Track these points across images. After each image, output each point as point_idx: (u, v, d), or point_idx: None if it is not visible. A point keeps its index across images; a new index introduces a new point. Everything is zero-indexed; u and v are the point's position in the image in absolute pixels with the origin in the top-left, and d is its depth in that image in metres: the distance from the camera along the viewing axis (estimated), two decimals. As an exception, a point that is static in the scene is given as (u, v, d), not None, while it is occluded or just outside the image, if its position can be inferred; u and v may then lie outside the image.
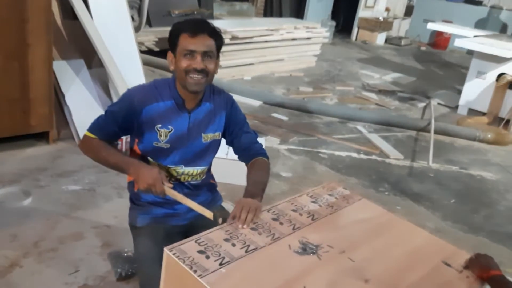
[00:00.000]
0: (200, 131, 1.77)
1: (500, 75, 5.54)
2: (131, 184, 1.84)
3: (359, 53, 9.43)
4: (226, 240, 1.43)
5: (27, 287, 2.18)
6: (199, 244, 1.39)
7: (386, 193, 3.70)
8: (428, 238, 1.71)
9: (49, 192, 2.98)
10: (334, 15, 10.67)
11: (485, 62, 5.73)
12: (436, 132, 4.89)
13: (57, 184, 3.08)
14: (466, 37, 6.31)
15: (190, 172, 1.81)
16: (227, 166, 2.93)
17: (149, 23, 6.66)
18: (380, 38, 10.76)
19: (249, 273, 1.31)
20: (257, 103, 5.31)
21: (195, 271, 1.26)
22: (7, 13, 3.11)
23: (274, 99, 5.45)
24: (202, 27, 1.66)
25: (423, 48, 10.92)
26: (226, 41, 5.85)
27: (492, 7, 10.80)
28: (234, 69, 6.20)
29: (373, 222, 1.75)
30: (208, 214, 1.62)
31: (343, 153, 4.32)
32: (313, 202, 1.78)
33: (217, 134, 1.83)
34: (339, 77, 7.23)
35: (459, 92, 6.28)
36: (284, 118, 5.04)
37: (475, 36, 6.34)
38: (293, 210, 1.69)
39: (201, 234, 1.45)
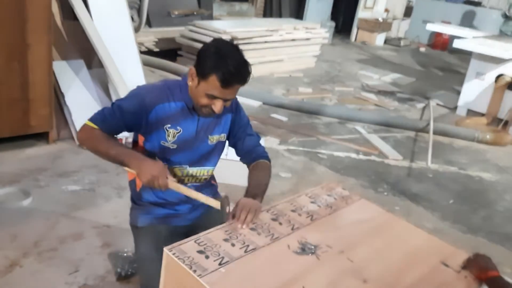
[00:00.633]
0: (207, 133, 1.78)
1: (499, 76, 5.55)
2: (133, 183, 1.84)
3: (358, 54, 9.44)
4: (226, 240, 1.44)
5: (27, 287, 2.18)
6: (198, 244, 1.40)
7: (385, 193, 3.71)
8: (427, 238, 1.72)
9: (49, 192, 2.99)
10: (334, 16, 10.68)
11: (484, 63, 5.74)
12: (435, 133, 4.90)
13: (57, 184, 3.09)
14: (465, 38, 6.32)
15: (195, 172, 1.81)
16: (227, 167, 2.93)
17: (149, 23, 6.67)
18: (379, 39, 10.77)
19: (248, 273, 1.32)
20: (256, 103, 5.32)
21: (194, 271, 1.27)
22: (7, 14, 3.11)
23: (274, 100, 5.46)
24: (238, 79, 1.58)
25: (422, 49, 10.93)
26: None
27: (492, 8, 10.81)
28: (233, 69, 6.19)
29: (372, 222, 1.75)
30: (215, 203, 1.59)
31: (342, 154, 4.33)
32: (312, 202, 1.79)
33: (223, 136, 1.84)
34: (338, 78, 7.24)
35: (458, 93, 6.29)
36: (284, 118, 5.04)
37: (474, 37, 6.35)
38: (292, 211, 1.70)
39: (201, 234, 1.45)
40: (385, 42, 10.99)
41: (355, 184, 3.76)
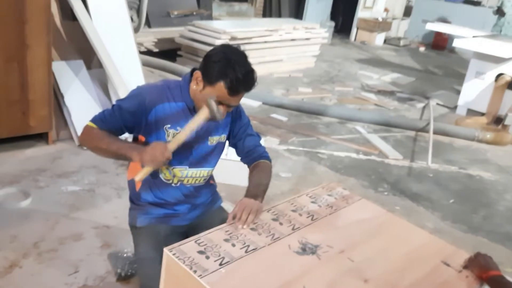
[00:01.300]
0: (207, 134, 1.77)
1: (499, 75, 5.54)
2: (132, 182, 1.83)
3: (358, 54, 9.44)
4: (226, 240, 1.44)
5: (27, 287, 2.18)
6: (199, 244, 1.39)
7: (385, 193, 3.70)
8: (428, 238, 1.72)
9: (48, 193, 2.98)
10: (333, 15, 10.68)
11: (484, 63, 5.74)
12: (435, 132, 4.89)
13: (56, 185, 3.08)
14: (465, 38, 6.32)
15: (194, 173, 1.80)
16: (227, 167, 2.93)
17: (148, 23, 6.67)
18: (379, 39, 10.77)
19: (249, 273, 1.32)
20: (256, 103, 5.31)
21: (195, 272, 1.26)
22: (6, 14, 3.10)
23: (273, 100, 5.46)
24: (245, 87, 1.59)
25: (422, 49, 10.94)
26: (226, 41, 5.86)
27: (491, 7, 10.81)
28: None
29: (372, 222, 1.75)
30: (204, 112, 1.60)
31: (342, 154, 4.33)
32: (312, 202, 1.78)
33: (223, 137, 1.83)
34: (338, 78, 7.23)
35: (458, 92, 6.29)
36: (284, 118, 5.04)
37: (474, 37, 6.35)
38: (293, 211, 1.69)
39: (201, 234, 1.45)
40: (385, 41, 10.99)
41: (355, 184, 3.75)
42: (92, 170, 3.31)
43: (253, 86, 1.62)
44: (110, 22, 4.10)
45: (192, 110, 1.70)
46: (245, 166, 1.90)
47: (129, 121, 1.68)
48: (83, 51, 4.00)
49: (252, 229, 1.52)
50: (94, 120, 1.68)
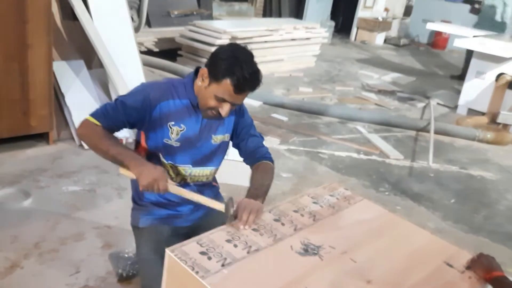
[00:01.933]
0: (211, 132, 1.77)
1: (500, 75, 5.54)
2: (135, 182, 1.83)
3: (358, 53, 9.43)
4: (228, 241, 1.43)
5: (27, 288, 2.18)
6: (201, 245, 1.39)
7: (386, 193, 3.70)
8: (430, 238, 1.71)
9: (49, 193, 2.98)
10: (333, 15, 10.66)
11: (485, 62, 5.73)
12: (435, 132, 4.89)
13: (57, 185, 3.08)
14: (466, 37, 6.31)
15: (198, 172, 1.80)
16: (228, 167, 2.91)
17: (148, 23, 6.66)
18: (379, 38, 10.76)
19: (251, 274, 1.31)
20: (257, 103, 5.31)
21: (197, 272, 1.26)
22: (7, 14, 3.10)
23: (274, 100, 5.45)
24: (250, 86, 1.60)
25: (422, 48, 10.93)
26: (226, 41, 5.85)
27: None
28: (233, 69, 6.18)
29: (374, 222, 1.75)
30: (219, 206, 1.58)
31: (343, 153, 4.32)
32: (314, 203, 1.78)
33: (226, 136, 1.83)
34: (338, 77, 7.23)
35: (459, 92, 6.28)
36: (284, 118, 5.04)
37: (474, 36, 6.34)
38: (295, 211, 1.69)
39: (203, 235, 1.45)
40: (385, 41, 10.98)
41: (356, 184, 3.75)
42: (93, 170, 3.30)
43: (258, 86, 1.62)
44: (110, 22, 4.10)
45: (196, 107, 1.70)
46: (247, 166, 1.89)
47: (133, 117, 1.66)
48: (84, 51, 4.00)
49: (254, 229, 1.52)
50: (95, 115, 1.65)
